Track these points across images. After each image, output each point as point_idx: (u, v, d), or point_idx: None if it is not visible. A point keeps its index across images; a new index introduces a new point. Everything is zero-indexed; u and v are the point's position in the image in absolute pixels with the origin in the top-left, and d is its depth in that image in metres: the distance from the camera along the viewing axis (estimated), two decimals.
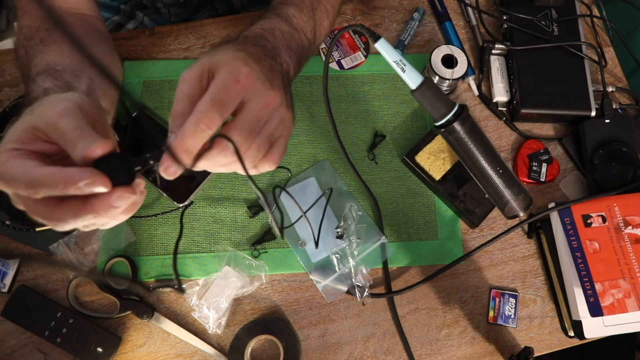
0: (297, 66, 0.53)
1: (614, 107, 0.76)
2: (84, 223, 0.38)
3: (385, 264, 0.71)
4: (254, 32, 0.51)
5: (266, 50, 0.49)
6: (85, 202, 0.36)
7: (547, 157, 0.75)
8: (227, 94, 0.41)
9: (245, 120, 0.42)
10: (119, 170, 0.37)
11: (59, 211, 0.37)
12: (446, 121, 0.59)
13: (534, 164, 0.75)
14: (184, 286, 0.68)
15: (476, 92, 0.80)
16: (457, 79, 0.75)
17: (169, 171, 0.39)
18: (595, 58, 0.79)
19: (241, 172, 0.42)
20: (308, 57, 0.58)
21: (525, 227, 0.74)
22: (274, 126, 0.44)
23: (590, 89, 0.76)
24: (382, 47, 0.56)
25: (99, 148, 0.36)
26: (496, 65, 0.80)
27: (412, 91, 0.58)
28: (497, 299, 0.71)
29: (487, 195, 0.65)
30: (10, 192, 0.37)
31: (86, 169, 0.35)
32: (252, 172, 0.44)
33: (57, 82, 0.49)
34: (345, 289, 0.69)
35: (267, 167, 0.45)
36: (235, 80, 0.41)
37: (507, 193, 0.62)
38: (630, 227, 0.66)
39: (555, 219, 0.69)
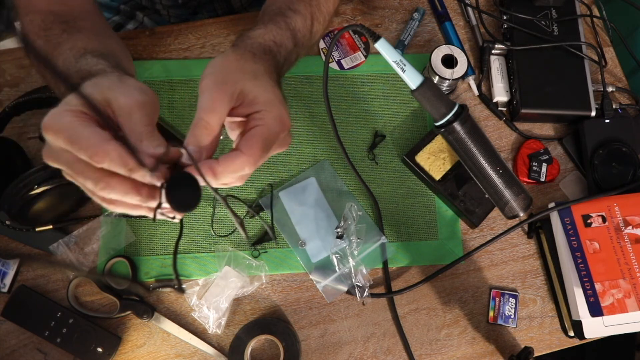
0: (280, 78, 0.54)
1: (614, 107, 0.76)
2: (118, 197, 0.38)
3: (385, 264, 0.71)
4: (268, 44, 0.51)
5: (277, 67, 0.50)
6: (134, 183, 0.38)
7: (547, 157, 0.75)
8: (275, 138, 0.43)
9: (266, 142, 0.43)
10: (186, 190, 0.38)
11: (109, 180, 0.37)
12: (446, 121, 0.59)
13: (534, 164, 0.75)
14: (184, 286, 0.68)
15: (476, 92, 0.80)
16: (457, 79, 0.75)
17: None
18: (595, 58, 0.79)
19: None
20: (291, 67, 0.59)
21: (525, 227, 0.74)
22: (276, 148, 0.45)
23: (590, 89, 0.76)
24: (382, 47, 0.56)
25: (162, 150, 0.38)
26: (496, 65, 0.80)
27: (412, 91, 0.58)
28: (497, 299, 0.71)
29: (487, 195, 0.65)
30: (64, 149, 0.37)
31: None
32: (236, 182, 0.45)
33: (106, 62, 0.49)
34: (345, 289, 0.69)
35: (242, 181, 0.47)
36: (282, 129, 0.44)
37: (507, 193, 0.62)
38: (630, 227, 0.66)
39: (555, 219, 0.69)
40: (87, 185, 0.38)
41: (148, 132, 0.38)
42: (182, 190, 0.38)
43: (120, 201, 0.39)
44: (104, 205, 0.40)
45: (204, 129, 0.40)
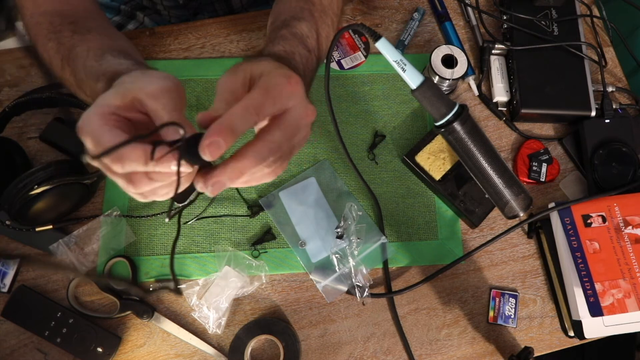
0: (308, 89, 0.54)
1: (614, 107, 0.76)
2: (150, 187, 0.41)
3: (385, 264, 0.71)
4: (278, 53, 0.51)
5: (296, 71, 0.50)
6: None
7: (547, 157, 0.75)
8: (280, 90, 0.41)
9: (289, 122, 0.42)
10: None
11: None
12: (446, 121, 0.59)
13: (534, 164, 0.75)
14: (183, 285, 0.68)
15: (476, 92, 0.80)
16: (457, 79, 0.75)
17: (212, 147, 0.37)
18: (595, 58, 0.79)
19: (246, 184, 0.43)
20: (314, 76, 0.58)
21: (525, 227, 0.74)
22: (300, 139, 0.44)
23: (590, 89, 0.76)
24: (383, 46, 0.56)
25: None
26: (496, 65, 0.80)
27: (413, 91, 0.58)
28: (497, 299, 0.71)
29: (487, 195, 0.65)
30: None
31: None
32: (267, 178, 0.45)
33: (128, 60, 0.50)
34: (345, 289, 0.69)
35: (274, 176, 0.46)
36: (288, 82, 0.42)
37: (507, 193, 0.62)
38: (630, 227, 0.66)
39: (555, 219, 0.69)
40: (119, 183, 0.40)
41: (171, 118, 0.39)
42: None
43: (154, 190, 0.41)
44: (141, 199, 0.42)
45: (211, 110, 0.41)
